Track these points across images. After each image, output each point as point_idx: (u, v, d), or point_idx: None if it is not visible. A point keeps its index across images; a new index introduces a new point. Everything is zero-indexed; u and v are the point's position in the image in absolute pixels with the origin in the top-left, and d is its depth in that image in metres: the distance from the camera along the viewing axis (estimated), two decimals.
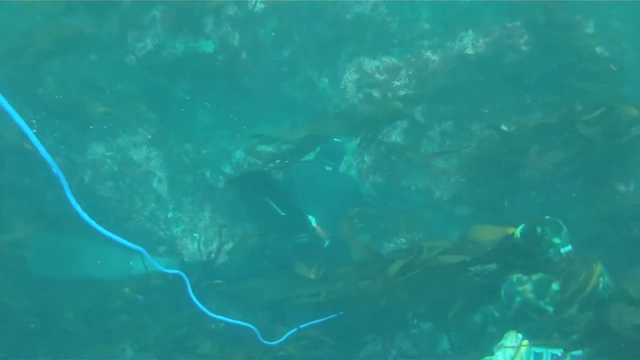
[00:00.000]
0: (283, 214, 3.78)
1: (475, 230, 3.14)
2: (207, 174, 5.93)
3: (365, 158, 5.14)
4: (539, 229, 2.80)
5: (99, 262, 4.00)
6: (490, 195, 4.25)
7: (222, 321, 3.51)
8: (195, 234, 5.35)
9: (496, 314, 2.91)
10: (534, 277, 2.79)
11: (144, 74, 5.17)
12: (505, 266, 2.92)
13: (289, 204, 3.81)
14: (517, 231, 2.89)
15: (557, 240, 2.76)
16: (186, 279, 3.47)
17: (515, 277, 2.83)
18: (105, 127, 5.03)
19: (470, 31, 4.88)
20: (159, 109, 5.32)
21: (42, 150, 2.34)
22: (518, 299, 2.78)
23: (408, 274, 3.02)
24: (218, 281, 3.94)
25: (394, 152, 4.87)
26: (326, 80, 5.73)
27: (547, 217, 2.89)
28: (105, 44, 4.81)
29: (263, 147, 5.48)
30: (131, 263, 4.00)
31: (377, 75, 4.83)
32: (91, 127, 4.67)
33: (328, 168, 4.61)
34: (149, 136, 5.21)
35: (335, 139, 5.07)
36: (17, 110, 2.14)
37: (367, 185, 5.16)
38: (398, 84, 4.75)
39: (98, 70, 5.22)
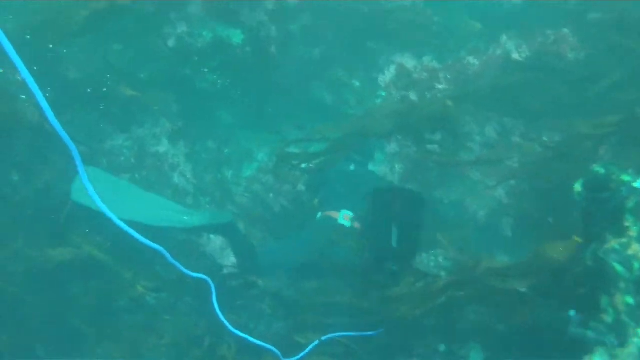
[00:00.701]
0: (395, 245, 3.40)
1: (542, 249, 2.74)
2: (229, 174, 5.68)
3: (396, 165, 4.85)
4: (601, 170, 2.43)
5: (150, 209, 3.78)
6: (535, 211, 3.95)
7: (243, 338, 3.20)
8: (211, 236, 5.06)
9: (628, 301, 2.30)
10: (633, 231, 2.31)
11: (170, 62, 4.93)
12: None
13: (410, 238, 3.48)
14: (578, 185, 2.51)
15: (626, 177, 2.39)
16: (212, 285, 3.20)
17: (613, 244, 2.35)
18: (128, 114, 4.78)
19: (514, 35, 4.60)
20: (182, 101, 5.06)
21: (63, 134, 2.11)
22: (637, 264, 2.29)
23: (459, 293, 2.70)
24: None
25: (429, 159, 4.57)
26: (357, 83, 5.47)
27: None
28: (135, 26, 4.56)
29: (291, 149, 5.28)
30: (185, 218, 3.77)
31: (414, 76, 4.55)
32: (114, 110, 4.39)
33: (351, 167, 4.43)
34: (171, 129, 4.94)
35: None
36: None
37: None
38: (438, 87, 4.47)
39: (123, 58, 5.00)
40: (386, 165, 4.73)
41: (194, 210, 3.98)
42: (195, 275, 3.15)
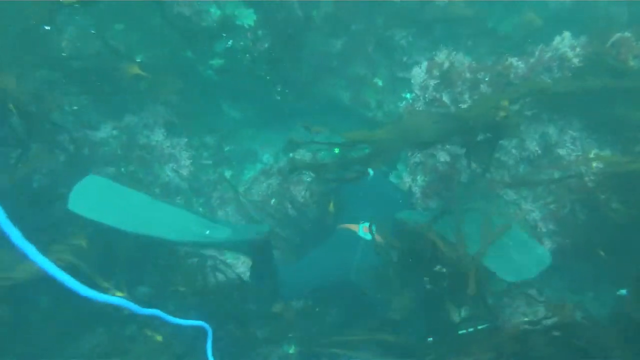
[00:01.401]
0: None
1: None
2: (228, 174, 5.08)
3: (419, 177, 4.21)
4: None
5: (167, 222, 3.33)
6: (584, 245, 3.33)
7: None
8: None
9: None
10: None
11: (170, 42, 4.36)
12: None
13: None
14: None
15: None
16: (210, 332, 2.80)
17: None
18: (121, 100, 4.22)
19: (567, 36, 3.96)
20: (182, 88, 4.48)
21: None
22: None
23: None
24: None
25: (457, 172, 3.95)
26: (380, 82, 4.86)
27: None
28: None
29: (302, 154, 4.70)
30: (207, 232, 3.33)
31: (449, 76, 3.93)
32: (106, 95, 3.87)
33: (370, 173, 4.05)
34: (166, 119, 4.35)
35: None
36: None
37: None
38: (475, 90, 3.85)
39: (122, 38, 4.45)
40: (408, 177, 4.09)
41: (221, 224, 3.46)
42: (192, 323, 2.72)
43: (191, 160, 4.53)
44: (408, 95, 4.79)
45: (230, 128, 5.29)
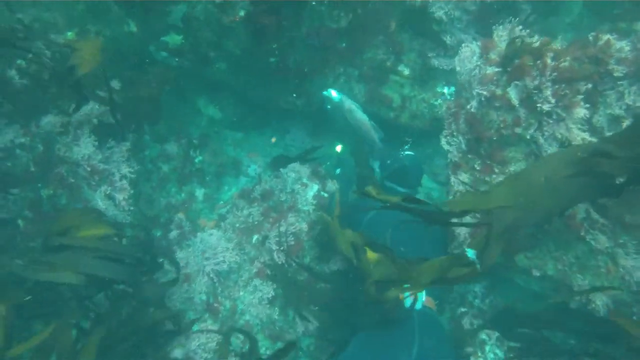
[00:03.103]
0: None
1: None
2: (199, 194, 3.77)
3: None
4: None
5: None
6: None
7: None
8: None
9: None
10: None
11: (112, 13, 3.04)
12: None
13: None
14: None
15: None
16: None
17: None
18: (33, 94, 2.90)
19: None
20: (132, 75, 3.15)
21: None
22: None
23: None
24: None
25: None
26: (406, 71, 3.50)
27: None
28: None
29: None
30: None
31: (515, 64, 2.58)
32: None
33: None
34: (100, 120, 3.03)
35: (407, 152, 3.27)
36: None
37: None
38: (574, 82, 2.48)
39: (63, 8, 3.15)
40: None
41: None
42: None
43: (141, 178, 3.22)
44: (446, 90, 3.43)
45: (204, 131, 3.97)
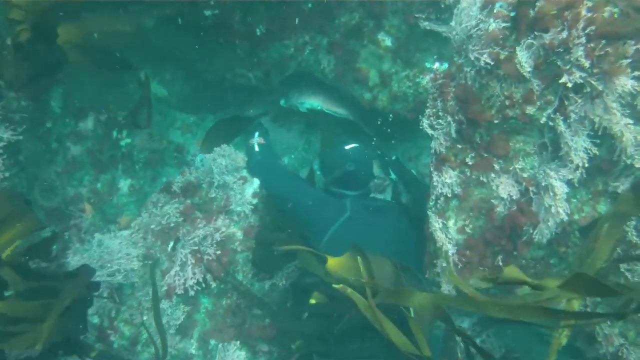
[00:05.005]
0: None
1: None
2: (124, 184, 3.03)
3: (454, 222, 2.09)
4: None
5: None
6: None
7: None
8: None
9: None
10: None
11: None
12: None
13: None
14: None
15: None
16: None
17: None
18: None
19: None
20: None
21: None
22: None
23: None
24: None
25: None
26: (388, 40, 2.71)
27: None
28: None
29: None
30: None
31: (530, 15, 1.80)
32: None
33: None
34: None
35: (349, 145, 2.69)
36: None
37: None
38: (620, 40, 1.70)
39: None
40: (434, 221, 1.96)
41: None
42: None
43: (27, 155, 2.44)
44: (437, 66, 2.64)
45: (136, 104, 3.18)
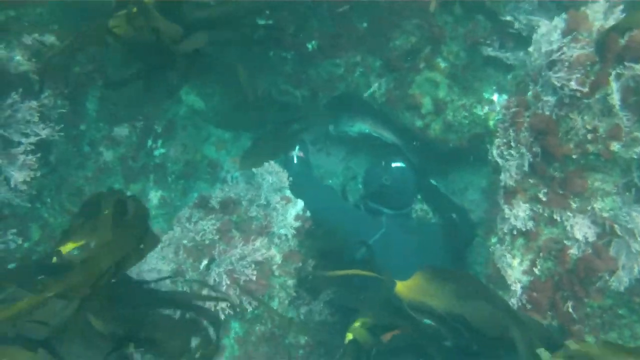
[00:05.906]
0: None
1: None
2: (155, 196, 2.91)
3: (519, 260, 1.91)
4: None
5: None
6: None
7: None
8: None
9: None
10: None
11: None
12: None
13: None
14: None
15: None
16: None
17: None
18: None
19: None
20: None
21: None
22: None
23: None
24: None
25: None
26: (443, 64, 2.59)
27: None
28: None
29: None
30: None
31: (620, 44, 1.68)
32: None
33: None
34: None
35: (396, 163, 2.58)
36: None
37: None
38: None
39: None
40: (501, 257, 1.80)
41: None
42: None
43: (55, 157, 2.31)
44: (496, 97, 2.51)
45: (173, 118, 3.07)
